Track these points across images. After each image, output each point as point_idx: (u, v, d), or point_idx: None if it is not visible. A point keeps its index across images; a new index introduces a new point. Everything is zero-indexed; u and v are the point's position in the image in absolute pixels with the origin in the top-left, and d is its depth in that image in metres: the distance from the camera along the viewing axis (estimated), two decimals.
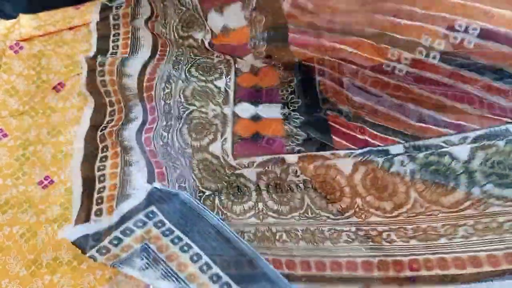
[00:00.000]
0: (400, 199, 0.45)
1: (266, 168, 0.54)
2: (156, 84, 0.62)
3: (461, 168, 0.43)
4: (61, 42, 0.74)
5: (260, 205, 0.54)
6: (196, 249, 0.44)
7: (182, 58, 0.68)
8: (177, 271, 0.44)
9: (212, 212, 0.47)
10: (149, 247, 0.46)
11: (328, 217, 0.49)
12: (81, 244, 0.47)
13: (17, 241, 0.54)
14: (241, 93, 0.64)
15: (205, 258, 0.43)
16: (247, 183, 0.55)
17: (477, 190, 0.42)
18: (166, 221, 0.47)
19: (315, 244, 0.47)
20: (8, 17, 0.75)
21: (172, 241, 0.46)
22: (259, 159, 0.54)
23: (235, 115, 0.61)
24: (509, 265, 0.38)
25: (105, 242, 0.47)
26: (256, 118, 0.61)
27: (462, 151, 0.44)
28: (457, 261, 0.42)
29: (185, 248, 0.45)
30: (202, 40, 0.68)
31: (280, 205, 0.52)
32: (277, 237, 0.50)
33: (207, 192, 0.56)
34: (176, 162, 0.57)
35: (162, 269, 0.45)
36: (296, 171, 0.51)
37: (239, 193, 0.55)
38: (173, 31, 0.70)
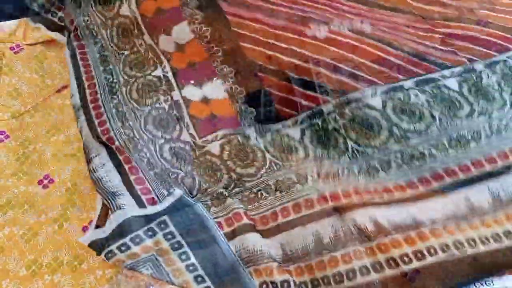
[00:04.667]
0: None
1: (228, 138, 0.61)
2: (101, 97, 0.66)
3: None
4: (61, 45, 0.75)
5: (233, 174, 0.59)
6: (197, 265, 0.50)
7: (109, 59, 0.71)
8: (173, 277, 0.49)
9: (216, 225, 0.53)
10: (157, 259, 0.49)
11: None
12: (93, 246, 0.50)
13: (18, 241, 0.54)
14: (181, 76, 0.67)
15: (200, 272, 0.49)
16: (213, 158, 0.60)
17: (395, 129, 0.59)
18: (176, 233, 0.51)
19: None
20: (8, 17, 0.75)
21: (179, 256, 0.50)
22: (220, 133, 0.62)
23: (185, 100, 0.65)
24: None
25: (113, 247, 0.49)
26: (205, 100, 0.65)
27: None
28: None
29: (191, 268, 0.49)
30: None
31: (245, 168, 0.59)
32: (258, 196, 0.57)
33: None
34: (141, 154, 0.60)
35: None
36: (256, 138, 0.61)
37: (211, 173, 0.59)
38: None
